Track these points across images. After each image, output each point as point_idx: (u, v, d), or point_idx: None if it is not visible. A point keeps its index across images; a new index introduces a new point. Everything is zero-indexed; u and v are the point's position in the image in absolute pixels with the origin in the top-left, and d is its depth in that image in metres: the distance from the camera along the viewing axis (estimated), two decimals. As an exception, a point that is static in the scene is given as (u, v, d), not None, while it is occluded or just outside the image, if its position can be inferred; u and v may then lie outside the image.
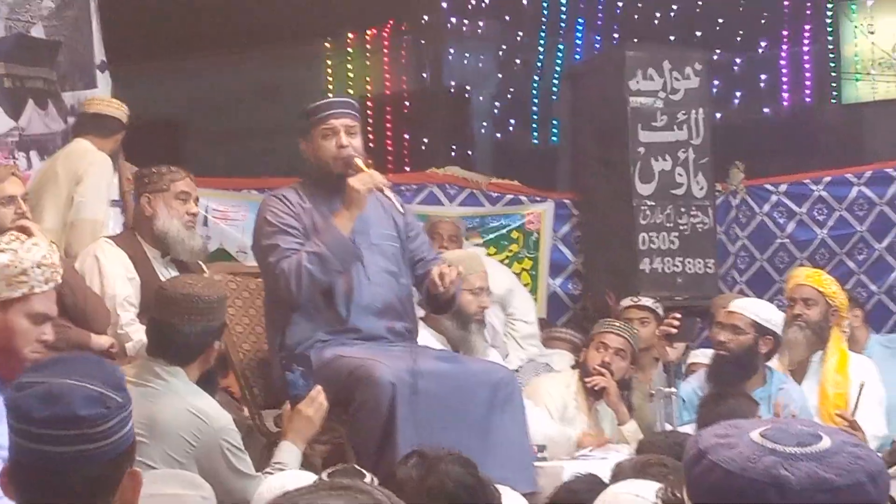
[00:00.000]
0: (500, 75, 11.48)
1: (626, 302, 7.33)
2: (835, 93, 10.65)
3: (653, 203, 8.56)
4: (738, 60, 10.74)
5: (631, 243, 8.53)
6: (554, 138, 11.25)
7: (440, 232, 7.72)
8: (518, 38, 11.24)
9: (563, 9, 10.72)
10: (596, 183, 8.97)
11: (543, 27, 10.90)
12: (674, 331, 6.46)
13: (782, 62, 10.75)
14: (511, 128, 11.52)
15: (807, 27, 10.68)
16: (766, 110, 10.91)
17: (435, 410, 4.65)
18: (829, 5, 10.49)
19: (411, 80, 11.55)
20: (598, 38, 10.78)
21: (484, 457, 4.48)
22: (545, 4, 10.75)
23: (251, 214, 6.62)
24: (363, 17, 11.34)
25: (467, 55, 11.44)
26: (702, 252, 8.65)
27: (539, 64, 11.21)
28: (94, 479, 2.26)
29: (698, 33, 10.45)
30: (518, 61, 11.40)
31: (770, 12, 10.70)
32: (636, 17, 10.60)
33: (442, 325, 5.88)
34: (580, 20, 10.82)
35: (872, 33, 10.26)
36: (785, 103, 10.82)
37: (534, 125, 11.43)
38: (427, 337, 5.68)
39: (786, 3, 10.63)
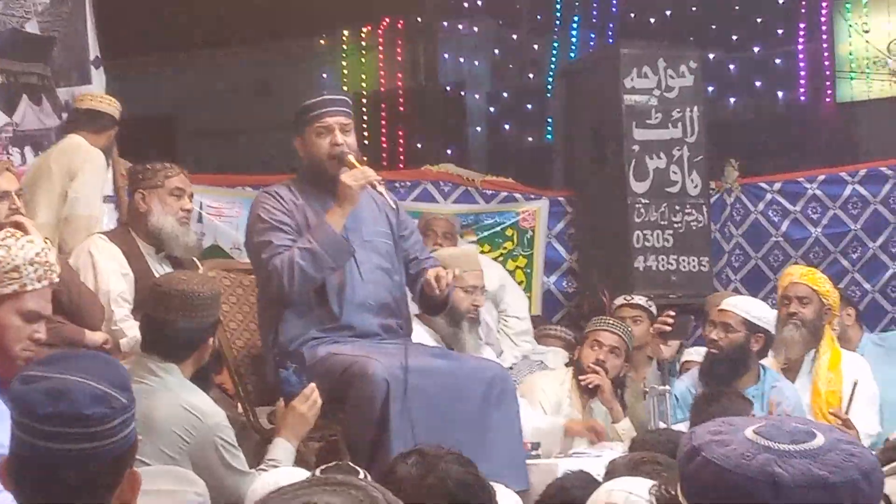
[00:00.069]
0: (494, 73, 11.49)
1: (619, 300, 7.33)
2: (829, 91, 10.66)
3: (647, 201, 8.56)
4: (732, 58, 10.76)
5: (625, 241, 8.52)
6: (548, 136, 11.27)
7: (434, 229, 7.71)
8: (513, 36, 11.26)
9: (558, 6, 10.73)
10: (590, 180, 8.97)
11: (538, 25, 10.91)
12: (668, 329, 6.47)
13: (777, 60, 10.77)
14: (506, 125, 11.53)
15: (801, 26, 10.69)
16: (760, 108, 10.92)
17: (429, 407, 4.64)
18: (824, 4, 10.50)
19: (406, 78, 11.56)
20: (593, 35, 10.80)
21: (477, 454, 4.45)
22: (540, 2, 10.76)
23: (245, 211, 6.61)
24: (358, 14, 11.36)
25: (462, 53, 11.45)
26: (696, 250, 8.65)
27: (534, 62, 11.23)
28: (93, 479, 2.26)
29: (693, 31, 10.47)
30: (513, 59, 11.41)
31: (765, 11, 10.71)
32: (631, 14, 10.62)
33: (434, 323, 5.88)
34: (575, 18, 10.83)
35: (867, 32, 10.28)
36: (779, 101, 10.84)
37: (528, 123, 11.45)
38: (421, 334, 5.68)
39: (780, 1, 10.64)
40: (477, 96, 11.78)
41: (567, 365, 6.60)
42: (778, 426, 1.72)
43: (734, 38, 10.79)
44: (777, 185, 9.23)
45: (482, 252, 8.41)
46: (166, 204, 5.58)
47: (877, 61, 10.36)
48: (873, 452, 1.91)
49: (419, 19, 11.11)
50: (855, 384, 6.16)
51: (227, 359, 5.26)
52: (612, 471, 3.42)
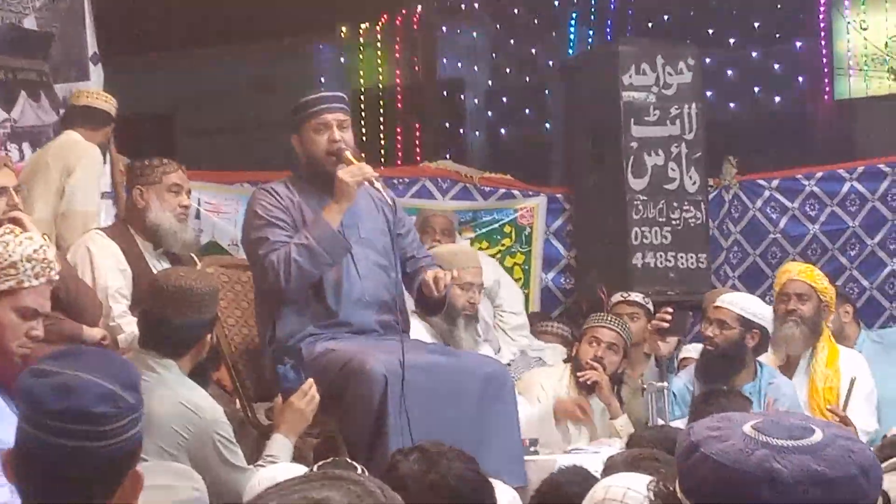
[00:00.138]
0: (492, 69, 11.49)
1: (616, 297, 7.33)
2: (827, 88, 10.66)
3: (645, 198, 8.56)
4: (731, 55, 10.75)
5: (623, 238, 8.52)
6: (547, 133, 11.27)
7: (433, 225, 7.72)
8: (511, 33, 11.25)
9: (556, 3, 10.73)
10: (588, 177, 8.96)
11: (536, 22, 10.91)
12: (666, 325, 6.46)
13: (775, 57, 10.77)
14: (504, 122, 11.53)
15: (800, 22, 10.69)
16: (758, 105, 10.92)
17: (427, 404, 4.64)
18: (822, 1, 10.50)
19: (404, 75, 11.56)
20: (591, 32, 10.79)
21: (475, 450, 4.46)
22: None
23: (243, 207, 6.61)
24: (356, 11, 11.35)
25: (460, 50, 11.44)
26: (694, 247, 8.64)
27: (532, 58, 11.22)
28: (95, 477, 2.25)
29: (691, 28, 10.47)
30: (511, 55, 11.41)
31: (763, 8, 10.71)
32: (629, 11, 10.61)
33: (431, 319, 5.87)
34: (573, 14, 10.83)
35: (865, 29, 10.27)
36: (777, 99, 10.84)
37: (527, 119, 11.44)
38: (419, 330, 5.67)
39: (779, -2, 10.65)
40: (475, 93, 11.77)
41: (565, 361, 6.60)
42: (776, 422, 1.72)
43: (732, 35, 10.78)
44: (775, 182, 9.22)
45: (479, 249, 8.42)
46: (164, 200, 5.57)
47: (875, 59, 10.35)
48: (871, 448, 1.91)
49: (417, 16, 11.10)
50: (852, 381, 6.16)
51: (225, 355, 5.26)
52: (611, 467, 3.42)
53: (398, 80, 11.63)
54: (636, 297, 7.28)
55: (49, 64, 7.22)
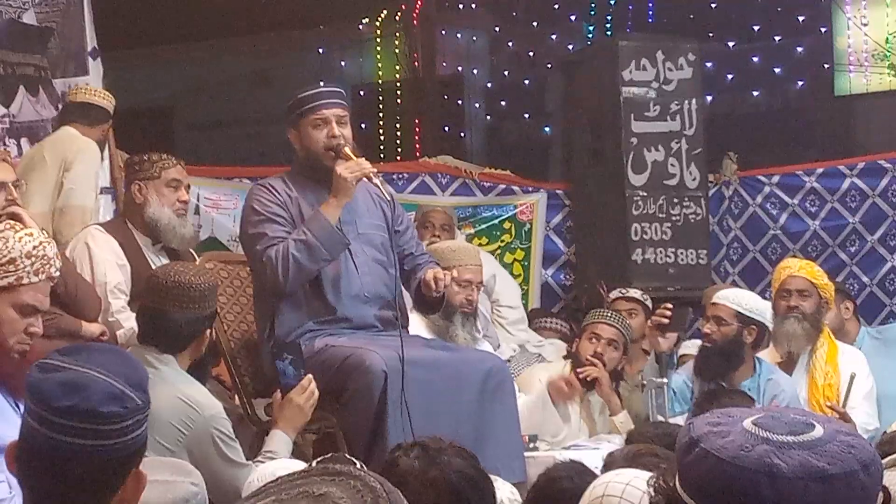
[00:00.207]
0: (492, 65, 11.48)
1: (615, 294, 7.33)
2: (828, 84, 10.65)
3: (645, 194, 8.55)
4: (731, 51, 10.75)
5: (623, 234, 8.51)
6: (546, 128, 11.26)
7: (432, 221, 7.71)
8: (511, 28, 11.25)
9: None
10: (588, 173, 8.96)
11: (536, 17, 10.91)
12: (666, 321, 6.46)
13: (776, 53, 10.76)
14: (504, 118, 11.52)
15: (800, 18, 10.68)
16: (758, 101, 10.92)
17: (426, 399, 4.64)
18: (823, -3, 10.51)
19: (404, 70, 11.55)
20: (591, 28, 10.79)
21: (475, 446, 4.47)
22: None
23: (242, 203, 6.61)
24: (355, 6, 11.34)
25: (460, 45, 11.44)
26: (694, 243, 8.64)
27: (532, 54, 11.21)
28: (98, 475, 2.25)
29: (691, 24, 10.46)
30: (511, 51, 11.40)
31: (763, 3, 10.71)
32: (629, 7, 10.60)
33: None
34: (573, 10, 10.83)
35: (866, 25, 10.26)
36: (778, 94, 10.83)
37: (526, 115, 11.43)
38: (418, 326, 5.67)
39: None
40: (475, 89, 11.77)
41: (565, 357, 6.59)
42: (776, 417, 1.71)
43: (732, 30, 10.77)
44: (775, 178, 9.22)
45: (479, 245, 8.41)
46: (163, 195, 5.57)
47: (875, 54, 10.34)
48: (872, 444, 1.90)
49: (417, 11, 11.09)
50: (852, 377, 6.16)
51: (224, 350, 5.25)
52: (611, 463, 3.41)
53: (398, 76, 11.62)
54: (634, 293, 7.28)
55: (48, 59, 7.21)
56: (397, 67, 11.68)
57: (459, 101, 11.53)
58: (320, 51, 12.07)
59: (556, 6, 10.92)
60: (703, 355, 6.16)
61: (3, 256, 3.57)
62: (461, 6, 11.23)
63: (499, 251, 8.92)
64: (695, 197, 8.68)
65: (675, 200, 8.61)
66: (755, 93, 10.96)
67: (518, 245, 9.09)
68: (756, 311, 6.15)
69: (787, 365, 6.35)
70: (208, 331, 4.51)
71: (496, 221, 9.06)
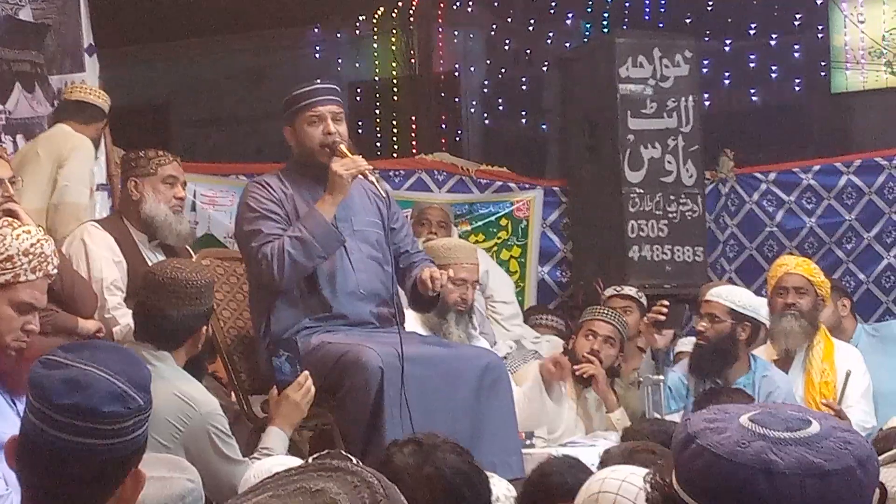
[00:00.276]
0: (489, 62, 11.48)
1: (609, 291, 7.33)
2: (824, 82, 10.66)
3: (642, 190, 8.55)
4: (728, 48, 10.75)
5: (620, 231, 8.51)
6: (543, 125, 11.26)
7: (429, 218, 7.70)
8: (508, 25, 11.24)
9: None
10: (585, 170, 8.96)
11: (533, 14, 10.91)
12: (662, 318, 6.46)
13: (772, 50, 10.77)
14: (500, 115, 11.52)
15: (797, 16, 10.69)
16: (755, 98, 10.92)
17: (423, 396, 4.64)
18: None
19: (400, 67, 11.55)
20: (588, 25, 10.79)
21: (471, 442, 4.47)
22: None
23: (239, 200, 6.61)
24: (353, 3, 11.34)
25: (457, 42, 11.43)
26: (691, 240, 8.64)
27: (528, 51, 11.21)
28: (97, 474, 2.24)
29: (688, 21, 10.46)
30: (508, 48, 11.40)
31: (761, 1, 10.71)
32: (626, 4, 10.60)
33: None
34: (570, 7, 10.83)
35: (862, 22, 10.27)
36: (774, 92, 10.84)
37: (523, 112, 11.43)
38: (412, 322, 5.66)
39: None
40: (471, 86, 11.77)
41: (562, 354, 6.59)
42: (773, 414, 1.71)
43: (729, 27, 10.78)
44: (772, 176, 9.23)
45: (475, 242, 8.41)
46: (159, 192, 5.56)
47: (872, 52, 10.35)
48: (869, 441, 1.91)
49: (413, 8, 11.09)
50: (847, 375, 6.16)
51: (221, 347, 5.25)
52: (607, 460, 3.42)
53: (394, 73, 11.62)
54: (629, 290, 7.28)
55: (44, 55, 7.20)
56: (394, 65, 11.68)
57: (456, 99, 11.53)
58: (317, 48, 12.06)
59: (553, 3, 10.92)
60: (698, 353, 6.15)
61: (1, 254, 3.56)
62: (458, 4, 11.23)
63: (495, 248, 8.92)
64: (691, 194, 8.68)
65: (672, 197, 8.61)
66: (752, 90, 10.97)
67: (514, 242, 9.09)
68: (749, 308, 6.14)
69: (784, 362, 6.35)
70: (205, 327, 4.50)
71: (493, 218, 9.06)
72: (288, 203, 5.01)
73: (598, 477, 2.98)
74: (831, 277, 7.34)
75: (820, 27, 10.58)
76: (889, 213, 8.97)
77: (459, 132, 11.51)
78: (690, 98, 8.69)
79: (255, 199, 5.00)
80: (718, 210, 9.21)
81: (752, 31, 10.82)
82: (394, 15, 11.31)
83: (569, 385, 6.28)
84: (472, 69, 11.78)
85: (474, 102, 11.78)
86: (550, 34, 11.04)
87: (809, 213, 9.09)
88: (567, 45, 10.85)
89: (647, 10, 10.59)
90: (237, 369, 5.27)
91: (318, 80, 5.35)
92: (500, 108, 11.51)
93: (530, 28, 11.19)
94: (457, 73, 11.64)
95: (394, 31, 11.49)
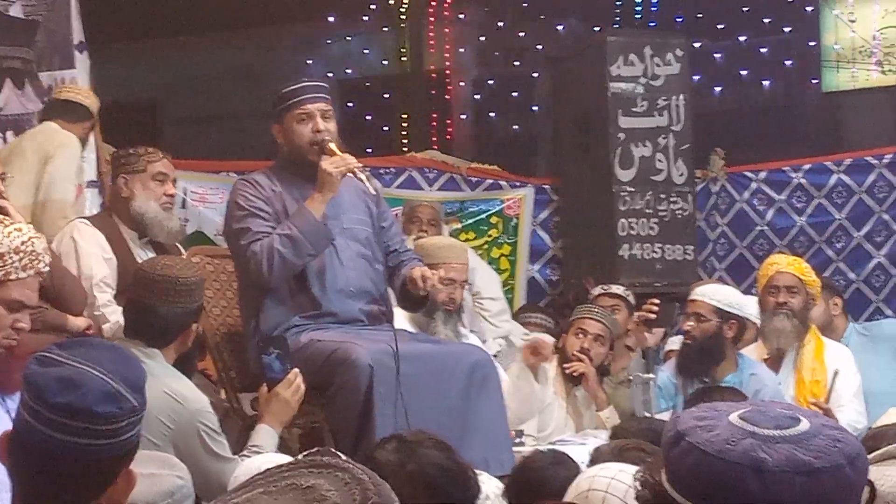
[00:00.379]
0: (480, 60, 11.48)
1: (597, 290, 7.33)
2: (815, 81, 10.67)
3: (632, 189, 8.56)
4: (719, 47, 10.76)
5: (610, 229, 8.52)
6: (534, 123, 11.26)
7: (419, 216, 7.70)
8: (499, 23, 11.24)
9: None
10: (576, 168, 8.97)
11: (524, 12, 10.90)
12: (653, 316, 6.47)
13: (763, 49, 10.78)
14: (491, 112, 11.52)
15: (788, 15, 10.70)
16: (746, 97, 10.93)
17: (413, 393, 4.63)
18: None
19: (391, 64, 11.54)
20: (580, 22, 10.79)
21: (461, 439, 4.48)
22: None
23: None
24: (343, 1, 11.33)
25: (449, 40, 11.42)
26: (681, 238, 8.65)
27: (520, 49, 11.21)
28: (88, 473, 2.24)
29: (679, 20, 10.47)
30: (499, 46, 11.40)
31: (752, 1, 10.72)
32: (617, 2, 10.61)
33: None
34: (561, 5, 10.83)
35: (853, 21, 10.29)
36: (765, 90, 10.85)
37: (514, 110, 11.43)
38: (401, 320, 5.66)
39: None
40: (462, 84, 11.76)
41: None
42: (763, 411, 1.71)
43: (720, 26, 10.79)
44: (762, 174, 9.24)
45: (466, 239, 8.42)
46: (149, 189, 5.55)
47: (862, 51, 10.37)
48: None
49: (405, 7, 11.08)
50: (835, 374, 6.16)
51: (211, 345, 5.25)
52: (597, 458, 3.42)
53: (384, 70, 11.62)
54: (617, 289, 7.28)
55: (34, 52, 7.19)
56: (384, 62, 11.67)
57: (447, 97, 11.52)
58: (306, 46, 12.05)
59: (545, 1, 10.91)
60: (685, 352, 6.15)
61: (-8, 252, 3.55)
62: (449, 1, 11.22)
63: (486, 246, 8.92)
64: (682, 193, 8.70)
65: (663, 196, 8.62)
66: (743, 89, 10.98)
67: (505, 240, 9.10)
68: (735, 306, 6.15)
69: (774, 361, 6.35)
70: (195, 325, 4.49)
71: (483, 216, 9.06)
72: (277, 201, 5.01)
73: (587, 475, 2.99)
74: (823, 276, 7.35)
75: (811, 26, 10.59)
76: (879, 213, 8.99)
77: (450, 130, 11.50)
78: (681, 97, 8.70)
79: (244, 197, 4.99)
80: (709, 209, 9.22)
81: (742, 30, 10.82)
82: (385, 12, 11.30)
83: (559, 383, 6.29)
84: (463, 67, 11.78)
85: (465, 100, 11.77)
86: (542, 32, 11.04)
87: (800, 211, 9.11)
88: (558, 43, 10.85)
89: (639, 8, 10.59)
90: (227, 367, 5.26)
91: (306, 79, 5.35)
92: (492, 106, 11.51)
93: (522, 26, 11.18)
94: (448, 71, 11.63)
95: (384, 30, 11.48)
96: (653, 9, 10.57)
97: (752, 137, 10.27)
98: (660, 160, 8.64)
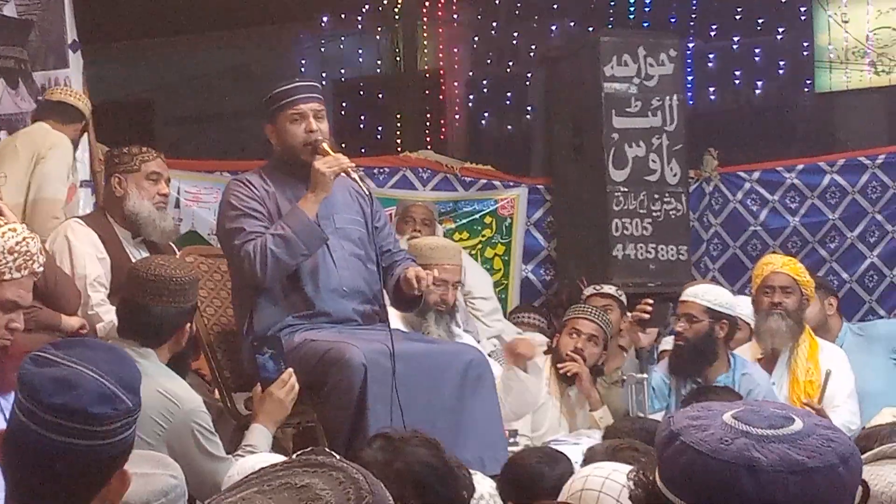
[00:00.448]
0: (474, 60, 11.47)
1: (589, 290, 7.33)
2: (808, 81, 10.68)
3: (626, 189, 8.57)
4: (712, 47, 10.77)
5: (604, 229, 8.53)
6: (528, 124, 11.25)
7: (413, 215, 7.69)
8: (493, 23, 11.24)
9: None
10: (569, 168, 8.97)
11: (518, 12, 10.90)
12: (646, 316, 6.47)
13: (756, 50, 10.78)
14: (485, 113, 11.52)
15: (781, 15, 10.70)
16: (739, 98, 10.94)
17: (407, 392, 4.63)
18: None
19: (384, 64, 11.54)
20: (573, 23, 10.79)
21: (456, 438, 4.49)
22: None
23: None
24: (337, 1, 11.32)
25: (442, 40, 11.42)
26: (675, 239, 8.66)
27: (513, 49, 11.20)
28: (82, 474, 2.23)
29: (673, 20, 10.47)
30: (493, 46, 11.39)
31: (745, 2, 10.72)
32: (611, 3, 10.61)
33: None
34: (555, 5, 10.82)
35: (846, 22, 10.29)
36: (758, 91, 10.86)
37: (508, 110, 11.42)
38: (394, 320, 5.65)
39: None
40: (456, 83, 11.76)
41: (545, 353, 6.60)
42: (756, 411, 1.72)
43: (714, 26, 10.79)
44: (756, 175, 9.25)
45: (460, 239, 8.41)
46: (143, 188, 5.55)
47: (856, 51, 10.38)
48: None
49: (398, 6, 11.08)
50: (828, 374, 6.16)
51: (204, 344, 5.24)
52: (591, 458, 3.43)
53: (378, 70, 11.61)
54: (609, 289, 7.28)
55: (28, 51, 7.18)
56: (378, 62, 11.66)
57: (441, 96, 11.51)
58: (300, 45, 12.05)
59: (539, 1, 10.91)
60: (677, 353, 6.16)
61: (-15, 252, 3.55)
62: (443, 1, 11.22)
63: (479, 246, 8.92)
64: (675, 193, 8.70)
65: (656, 196, 8.63)
66: (736, 89, 10.98)
67: (499, 240, 9.09)
68: (726, 306, 6.15)
69: (769, 362, 6.36)
70: (189, 324, 4.49)
71: (477, 216, 9.06)
72: (270, 201, 5.00)
73: (581, 474, 2.99)
74: (818, 276, 7.36)
75: (804, 27, 10.59)
76: (872, 213, 9.00)
77: (444, 130, 11.50)
78: (675, 97, 8.71)
79: (236, 197, 4.99)
80: (702, 209, 9.23)
81: (736, 31, 10.83)
82: (379, 12, 11.29)
83: (552, 383, 6.29)
84: (457, 67, 11.77)
85: (459, 100, 11.77)
86: (535, 33, 11.03)
87: (793, 212, 9.12)
88: (552, 43, 10.85)
89: (632, 9, 10.59)
90: (221, 366, 5.26)
91: (298, 79, 5.34)
92: (485, 106, 11.50)
93: (516, 26, 11.18)
94: (441, 71, 11.62)
95: (378, 29, 11.47)
96: (646, 9, 10.57)
97: (746, 138, 10.28)
98: (653, 160, 8.64)
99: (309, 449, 3.16)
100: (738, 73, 10.85)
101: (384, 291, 5.26)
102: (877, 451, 2.49)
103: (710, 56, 10.72)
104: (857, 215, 9.02)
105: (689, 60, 9.87)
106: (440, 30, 11.23)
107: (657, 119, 8.66)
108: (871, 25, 10.26)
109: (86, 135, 6.82)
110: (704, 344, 6.05)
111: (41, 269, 3.71)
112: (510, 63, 11.29)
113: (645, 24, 10.36)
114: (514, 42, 11.15)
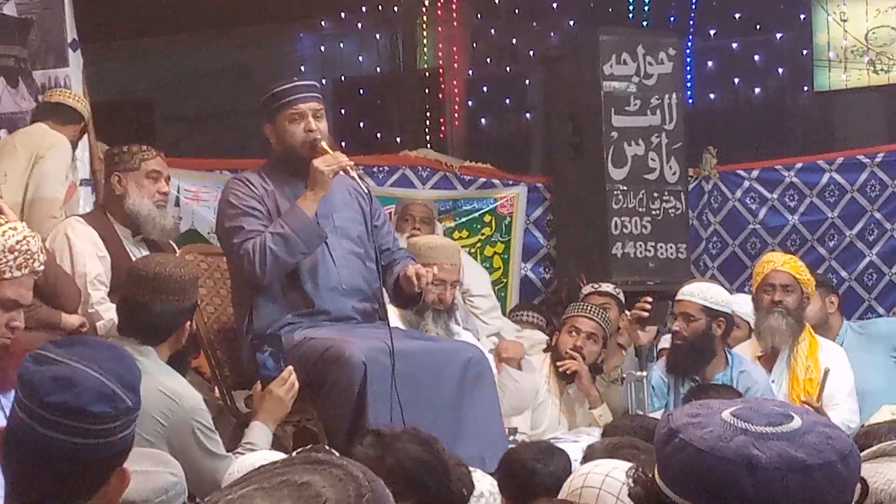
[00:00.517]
0: (473, 58, 11.46)
1: (587, 289, 7.33)
2: (807, 80, 10.68)
3: (625, 188, 8.57)
4: (711, 46, 10.76)
5: (603, 228, 8.53)
6: (527, 122, 11.25)
7: (412, 214, 7.69)
8: (492, 22, 11.23)
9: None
10: (569, 167, 8.97)
11: (517, 11, 10.90)
12: (646, 315, 6.47)
13: (755, 49, 10.78)
14: (484, 111, 11.51)
15: (780, 14, 10.70)
16: (738, 96, 10.94)
17: (406, 390, 4.64)
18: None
19: (384, 63, 11.54)
20: (573, 21, 10.79)
21: (455, 435, 4.49)
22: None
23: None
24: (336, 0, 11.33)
25: (441, 38, 11.41)
26: (674, 237, 8.66)
27: (513, 48, 11.20)
28: (82, 472, 2.24)
29: (672, 19, 10.47)
30: (492, 45, 11.39)
31: (744, 0, 10.72)
32: (611, 1, 10.61)
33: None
34: (555, 4, 10.82)
35: (845, 21, 10.30)
36: (757, 90, 10.86)
37: (507, 109, 11.41)
38: (393, 318, 5.65)
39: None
40: (455, 82, 11.76)
41: (544, 351, 6.60)
42: (755, 408, 1.72)
43: (713, 25, 10.79)
44: (755, 173, 9.25)
45: (459, 238, 8.41)
46: (143, 187, 5.55)
47: (854, 50, 10.38)
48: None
49: (398, 6, 11.08)
50: (826, 372, 6.16)
51: (204, 342, 5.25)
52: (590, 455, 3.43)
53: (378, 70, 11.61)
54: (607, 287, 7.29)
55: (28, 50, 7.18)
56: (378, 62, 11.66)
57: (440, 95, 11.51)
58: (300, 44, 12.05)
59: (538, 1, 10.91)
60: (674, 352, 6.15)
61: (-14, 250, 3.55)
62: (443, 1, 11.22)
63: (479, 244, 8.92)
64: (674, 191, 8.71)
65: (655, 195, 8.63)
66: (735, 88, 10.98)
67: (498, 238, 9.09)
68: (722, 304, 6.15)
69: (768, 360, 6.36)
70: (188, 322, 4.49)
71: (476, 215, 9.06)
72: (269, 199, 5.01)
73: (581, 472, 3.00)
74: (818, 274, 7.37)
75: (803, 25, 10.59)
76: (871, 211, 9.00)
77: (443, 129, 11.50)
78: (674, 95, 8.71)
79: (236, 196, 5.00)
80: (701, 207, 9.23)
81: (735, 30, 10.83)
82: (378, 11, 11.29)
83: (552, 381, 6.29)
84: (456, 66, 11.77)
85: (458, 98, 11.77)
86: (535, 31, 11.03)
87: (792, 210, 9.12)
88: (551, 42, 10.85)
89: (631, 7, 10.59)
90: (220, 364, 5.26)
91: (297, 78, 5.35)
92: (485, 104, 11.50)
93: (515, 25, 11.17)
94: (441, 70, 11.62)
95: (378, 28, 11.47)
96: (645, 8, 10.57)
97: (745, 136, 10.28)
98: (652, 159, 8.65)
99: (309, 446, 3.17)
100: (737, 71, 10.84)
101: (383, 289, 5.27)
102: (876, 448, 2.49)
103: (710, 55, 10.72)
104: (856, 213, 9.03)
105: (688, 59, 9.87)
106: (440, 29, 11.22)
107: (656, 118, 8.66)
108: (869, 24, 10.26)
109: (86, 134, 6.82)
110: (702, 342, 6.04)
111: (41, 267, 3.71)
112: (509, 62, 11.28)
113: (644, 23, 10.35)
114: (514, 41, 11.15)
